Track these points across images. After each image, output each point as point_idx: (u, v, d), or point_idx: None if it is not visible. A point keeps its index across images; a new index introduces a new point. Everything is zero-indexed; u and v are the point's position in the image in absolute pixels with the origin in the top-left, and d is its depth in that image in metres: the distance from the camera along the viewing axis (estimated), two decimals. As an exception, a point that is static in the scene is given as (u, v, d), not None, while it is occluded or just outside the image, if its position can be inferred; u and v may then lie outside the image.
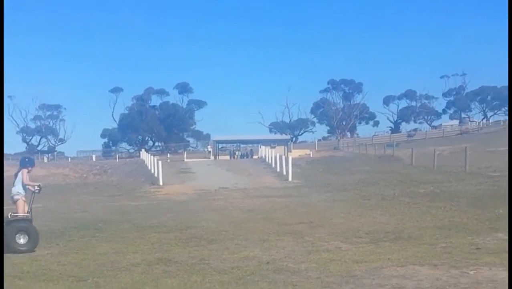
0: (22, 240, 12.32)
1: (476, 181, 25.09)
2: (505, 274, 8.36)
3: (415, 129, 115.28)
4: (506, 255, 9.67)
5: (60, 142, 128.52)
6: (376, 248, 11.11)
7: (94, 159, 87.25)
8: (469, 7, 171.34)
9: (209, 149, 79.74)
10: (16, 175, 13.09)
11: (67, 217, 19.68)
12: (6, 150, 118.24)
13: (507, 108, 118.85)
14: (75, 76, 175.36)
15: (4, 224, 12.30)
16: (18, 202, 12.83)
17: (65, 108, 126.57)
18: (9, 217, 12.54)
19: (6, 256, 11.45)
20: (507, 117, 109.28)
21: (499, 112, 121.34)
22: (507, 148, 34.72)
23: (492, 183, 23.39)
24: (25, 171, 13.10)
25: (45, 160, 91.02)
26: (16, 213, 12.73)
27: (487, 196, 19.32)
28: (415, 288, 7.80)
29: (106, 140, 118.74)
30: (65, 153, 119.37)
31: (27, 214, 12.85)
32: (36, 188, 12.98)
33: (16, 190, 12.88)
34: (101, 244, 12.87)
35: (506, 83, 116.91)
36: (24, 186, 12.95)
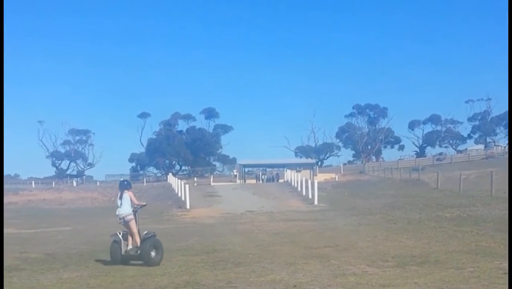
0: (153, 253, 13.81)
1: (502, 205, 24.89)
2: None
3: (441, 154, 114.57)
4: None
5: (89, 167, 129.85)
6: (403, 272, 11.11)
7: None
8: (494, 32, 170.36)
9: (235, 173, 79.86)
10: (121, 197, 14.49)
11: (96, 240, 19.91)
12: (36, 174, 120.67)
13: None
14: (104, 101, 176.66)
15: (144, 238, 14.04)
16: (132, 222, 14.29)
17: (93, 133, 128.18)
18: (145, 233, 14.23)
19: (36, 279, 11.68)
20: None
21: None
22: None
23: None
24: (131, 192, 14.77)
25: (74, 184, 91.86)
26: (127, 231, 14.26)
27: (514, 220, 19.16)
28: (441, 311, 7.83)
29: (134, 164, 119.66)
30: (93, 176, 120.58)
31: (153, 232, 14.62)
32: (143, 205, 14.88)
33: (127, 211, 14.31)
34: (129, 267, 13.03)
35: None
36: (130, 206, 14.41)
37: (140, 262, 13.69)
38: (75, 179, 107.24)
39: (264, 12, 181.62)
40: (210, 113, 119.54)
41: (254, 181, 70.87)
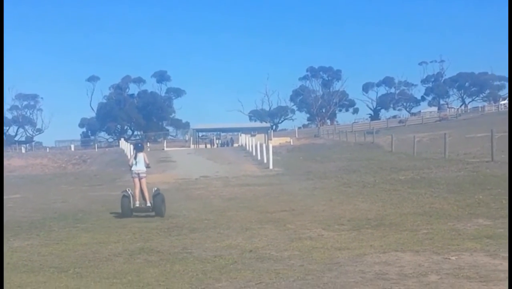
0: (163, 206, 16.07)
1: (455, 167, 25.27)
2: (487, 259, 8.43)
3: (395, 116, 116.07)
4: (487, 241, 9.76)
5: (38, 133, 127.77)
6: (358, 235, 11.13)
7: (72, 148, 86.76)
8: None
9: (187, 138, 79.31)
10: (135, 157, 17.04)
11: (47, 207, 19.51)
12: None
13: (484, 94, 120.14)
14: (52, 65, 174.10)
15: (155, 198, 16.21)
16: (145, 178, 16.93)
17: (42, 98, 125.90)
18: (154, 190, 16.48)
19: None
20: (485, 103, 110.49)
21: (477, 98, 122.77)
22: (485, 134, 35.04)
23: (471, 169, 23.56)
24: (144, 154, 17.46)
25: (23, 150, 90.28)
26: (143, 188, 16.60)
27: (466, 182, 19.45)
28: (397, 274, 7.82)
29: (84, 130, 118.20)
30: (43, 143, 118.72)
31: (158, 188, 16.88)
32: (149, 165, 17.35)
33: (143, 168, 16.85)
34: (82, 234, 12.77)
35: (484, 70, 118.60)
36: (144, 165, 16.98)
37: (146, 214, 16.09)
38: (24, 145, 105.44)
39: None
40: (161, 77, 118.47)
41: (208, 146, 70.64)
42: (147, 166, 17.15)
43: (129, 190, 16.50)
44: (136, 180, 16.82)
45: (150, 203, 16.40)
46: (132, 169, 16.98)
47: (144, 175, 16.90)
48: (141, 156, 17.17)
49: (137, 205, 16.44)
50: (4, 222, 15.33)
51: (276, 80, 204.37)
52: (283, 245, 10.46)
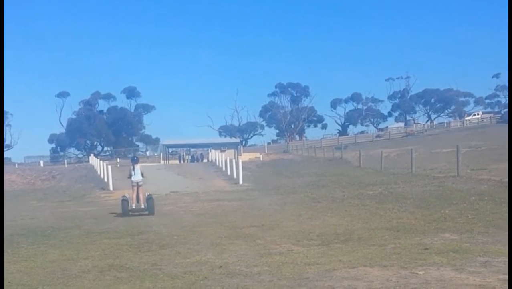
0: (154, 208, 20.78)
1: (422, 182, 25.59)
2: (453, 274, 8.59)
3: (363, 132, 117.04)
4: (454, 255, 9.94)
5: (6, 148, 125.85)
6: (328, 250, 11.24)
7: (42, 164, 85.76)
8: (414, 12, 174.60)
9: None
10: (133, 169, 21.43)
11: (15, 224, 19.32)
12: None
13: (450, 110, 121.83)
14: (21, 81, 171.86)
15: (148, 201, 20.77)
16: (142, 187, 21.44)
17: (11, 114, 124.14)
18: (147, 195, 21.20)
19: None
20: (450, 119, 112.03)
21: (442, 114, 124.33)
22: (450, 149, 35.55)
23: (437, 184, 23.92)
24: (140, 165, 21.99)
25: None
26: (139, 193, 21.20)
27: (433, 197, 19.74)
28: None
29: (54, 145, 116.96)
30: (12, 158, 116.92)
31: (150, 194, 21.61)
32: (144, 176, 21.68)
33: (140, 178, 21.33)
34: (51, 251, 12.69)
35: (448, 86, 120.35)
36: (141, 175, 21.34)
37: (140, 213, 20.71)
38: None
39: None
40: (131, 93, 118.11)
41: (177, 162, 70.44)
42: (143, 176, 21.45)
43: (127, 195, 21.17)
44: (135, 187, 21.22)
45: (144, 205, 20.86)
46: (131, 178, 21.30)
47: (141, 183, 21.39)
48: (138, 167, 21.50)
49: (134, 207, 20.93)
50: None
51: (246, 96, 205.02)
52: (253, 260, 10.52)
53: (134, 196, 21.25)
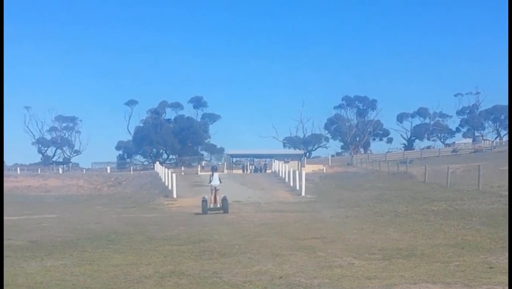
0: (227, 207, 25.42)
1: (489, 199, 24.97)
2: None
3: (429, 147, 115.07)
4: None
5: (75, 154, 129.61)
6: (389, 265, 11.07)
7: (108, 170, 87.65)
8: (484, 26, 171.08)
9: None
10: (212, 175, 26.46)
11: (81, 228, 19.77)
12: (21, 161, 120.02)
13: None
14: (91, 88, 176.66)
15: (223, 202, 25.52)
16: (219, 190, 26.00)
17: (81, 120, 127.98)
18: (222, 196, 25.68)
19: (20, 267, 11.56)
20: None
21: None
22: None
23: (505, 202, 23.27)
24: (218, 173, 27.68)
25: (60, 171, 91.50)
26: (216, 195, 25.84)
27: (500, 214, 19.22)
28: (427, 305, 7.78)
29: (121, 152, 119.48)
30: (80, 164, 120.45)
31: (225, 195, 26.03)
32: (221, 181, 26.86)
33: (217, 183, 26.24)
34: (114, 256, 12.91)
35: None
36: (218, 180, 26.26)
37: (216, 211, 25.16)
38: (61, 166, 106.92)
39: (255, 1, 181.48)
40: (198, 102, 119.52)
41: (241, 171, 70.77)
42: (220, 182, 26.45)
43: (206, 197, 25.78)
44: (213, 191, 25.90)
45: (220, 205, 25.54)
46: (211, 183, 26.22)
47: (218, 187, 26.02)
48: (216, 174, 26.58)
49: (211, 206, 25.70)
50: (38, 241, 15.66)
51: (311, 108, 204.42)
52: (313, 272, 10.45)
53: (212, 198, 25.95)
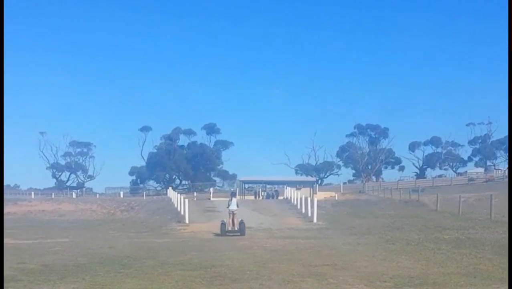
0: (245, 230, 27.40)
1: (501, 229, 24.87)
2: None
3: (441, 176, 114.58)
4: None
5: (89, 179, 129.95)
6: (400, 293, 11.10)
7: (121, 195, 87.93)
8: (495, 58, 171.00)
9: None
10: (231, 200, 28.43)
11: (93, 252, 19.88)
12: (36, 185, 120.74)
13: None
14: (106, 114, 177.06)
15: (240, 225, 27.50)
16: (236, 214, 27.99)
17: (95, 146, 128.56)
18: (239, 221, 27.77)
19: (40, 287, 11.67)
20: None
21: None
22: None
23: (518, 231, 23.18)
24: (236, 198, 29.66)
25: (74, 195, 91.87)
26: (233, 220, 27.75)
27: (513, 244, 19.14)
28: (437, 333, 7.81)
29: (134, 177, 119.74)
30: (93, 189, 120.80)
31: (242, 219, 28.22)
32: (238, 206, 28.82)
33: (235, 208, 28.10)
34: (126, 280, 13.01)
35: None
36: (236, 205, 28.21)
37: (234, 234, 27.09)
38: (75, 190, 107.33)
39: (268, 30, 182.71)
40: (211, 129, 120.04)
41: (253, 197, 70.76)
42: (238, 206, 28.45)
43: (224, 220, 27.86)
44: (231, 214, 27.73)
45: (237, 228, 27.40)
46: (229, 208, 28.03)
47: (236, 211, 27.91)
48: (234, 199, 28.54)
49: (229, 229, 27.50)
50: (51, 265, 15.78)
51: (323, 136, 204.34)
52: (323, 299, 10.50)
53: (230, 221, 27.70)
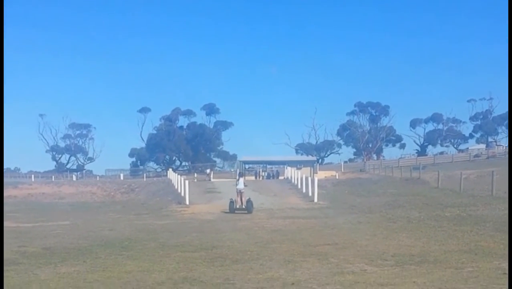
0: (252, 207, 29.05)
1: (502, 205, 24.83)
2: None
3: (442, 153, 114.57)
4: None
5: (89, 161, 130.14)
6: (402, 271, 11.06)
7: (122, 177, 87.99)
8: (495, 33, 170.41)
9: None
10: (238, 180, 31.04)
11: (94, 234, 19.87)
12: (35, 168, 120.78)
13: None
14: (105, 96, 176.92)
15: (247, 203, 29.17)
16: (244, 192, 29.90)
17: (94, 128, 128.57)
18: (247, 199, 29.46)
19: (34, 273, 11.65)
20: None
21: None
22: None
23: (519, 208, 23.16)
24: (243, 178, 32.15)
25: (74, 178, 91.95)
26: (242, 197, 29.78)
27: (514, 220, 19.12)
28: (439, 311, 7.76)
29: (134, 159, 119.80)
30: (93, 171, 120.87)
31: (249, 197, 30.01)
32: (246, 185, 31.20)
33: (242, 186, 30.20)
34: (127, 262, 12.98)
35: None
36: (243, 184, 30.36)
37: (241, 211, 28.90)
38: (75, 173, 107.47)
39: (267, 7, 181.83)
40: (210, 110, 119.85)
41: (253, 178, 70.77)
42: (245, 185, 30.82)
43: (233, 198, 29.77)
44: (238, 193, 29.86)
45: (245, 205, 29.23)
46: (237, 186, 30.42)
47: (243, 190, 29.95)
48: (241, 179, 31.08)
49: (237, 207, 29.40)
50: (52, 248, 15.76)
51: (324, 114, 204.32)
52: (325, 278, 10.47)
53: (238, 199, 29.80)
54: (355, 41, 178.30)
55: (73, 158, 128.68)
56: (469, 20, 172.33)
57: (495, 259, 12.03)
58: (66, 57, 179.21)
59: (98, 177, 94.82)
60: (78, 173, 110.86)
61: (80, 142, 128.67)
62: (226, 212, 29.31)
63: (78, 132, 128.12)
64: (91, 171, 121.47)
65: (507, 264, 11.41)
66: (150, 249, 15.31)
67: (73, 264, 12.93)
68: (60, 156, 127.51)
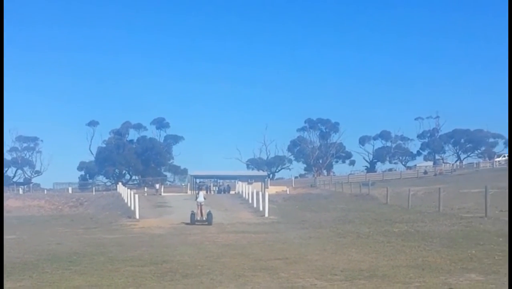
0: (212, 219, 30.14)
1: (449, 221, 25.33)
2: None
3: (391, 169, 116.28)
4: (478, 295, 9.79)
5: (36, 174, 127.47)
6: (351, 286, 11.16)
7: (70, 191, 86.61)
8: (444, 53, 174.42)
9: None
10: (198, 193, 33.52)
11: (41, 249, 19.50)
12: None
13: (479, 151, 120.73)
14: (53, 109, 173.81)
15: (208, 215, 30.51)
16: (203, 206, 31.36)
17: (42, 141, 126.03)
18: (207, 212, 30.71)
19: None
20: (480, 160, 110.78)
21: (472, 154, 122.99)
22: (479, 190, 35.12)
23: (465, 224, 23.67)
24: (204, 191, 37.99)
25: (21, 191, 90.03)
26: (201, 211, 31.24)
27: (460, 236, 19.53)
28: (388, 325, 7.86)
29: (82, 173, 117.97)
30: (41, 184, 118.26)
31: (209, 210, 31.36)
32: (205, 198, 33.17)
33: (202, 200, 31.97)
34: (75, 277, 12.78)
35: (479, 127, 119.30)
36: (203, 198, 32.30)
37: (202, 223, 30.02)
38: (22, 186, 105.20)
39: (216, 21, 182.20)
40: (160, 124, 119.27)
41: (204, 192, 70.53)
42: (205, 198, 32.74)
43: (194, 211, 31.04)
44: (199, 206, 31.32)
45: (205, 218, 30.46)
46: (197, 200, 32.08)
47: (203, 203, 31.60)
48: (201, 193, 33.57)
49: (198, 219, 30.64)
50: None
51: (275, 130, 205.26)
52: (275, 293, 10.48)
53: (199, 211, 31.15)
54: (305, 58, 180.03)
55: (20, 171, 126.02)
56: (415, 40, 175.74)
57: (441, 274, 12.24)
58: (11, 70, 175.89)
59: (45, 191, 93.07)
60: (25, 186, 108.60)
61: (27, 156, 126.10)
62: (187, 223, 30.53)
63: (25, 145, 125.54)
64: (38, 184, 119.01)
65: (453, 279, 11.63)
66: (99, 264, 15.10)
67: (19, 279, 12.67)
68: (6, 169, 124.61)
